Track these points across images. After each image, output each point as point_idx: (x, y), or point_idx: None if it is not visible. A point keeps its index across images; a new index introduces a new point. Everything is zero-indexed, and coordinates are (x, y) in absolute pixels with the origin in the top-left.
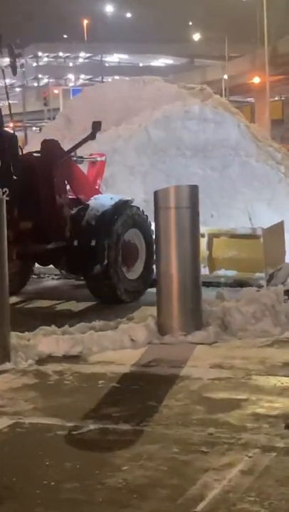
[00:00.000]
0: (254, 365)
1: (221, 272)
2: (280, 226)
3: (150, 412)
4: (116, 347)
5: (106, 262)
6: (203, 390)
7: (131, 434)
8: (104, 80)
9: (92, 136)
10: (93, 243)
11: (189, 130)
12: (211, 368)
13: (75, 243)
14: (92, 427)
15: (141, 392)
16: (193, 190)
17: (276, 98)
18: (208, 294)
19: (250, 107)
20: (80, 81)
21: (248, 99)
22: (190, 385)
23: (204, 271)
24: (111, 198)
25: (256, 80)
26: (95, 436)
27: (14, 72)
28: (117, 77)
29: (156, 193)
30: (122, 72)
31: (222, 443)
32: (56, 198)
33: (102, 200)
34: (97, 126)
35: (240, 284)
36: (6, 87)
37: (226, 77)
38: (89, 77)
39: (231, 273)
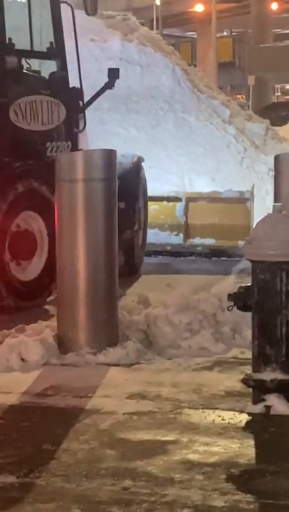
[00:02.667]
0: (187, 394)
1: (197, 241)
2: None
3: (44, 459)
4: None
5: (136, 226)
6: (117, 429)
7: (16, 488)
8: None
9: (109, 85)
10: (122, 206)
11: (106, 75)
12: (128, 399)
13: None
14: None
15: (32, 431)
16: (110, 156)
17: (225, 33)
18: (182, 267)
19: (190, 45)
20: None
21: (188, 34)
22: (99, 422)
23: (178, 239)
24: (122, 156)
25: (199, 7)
26: None
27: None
28: None
29: (57, 160)
30: None
31: (140, 501)
32: None
33: None
34: (114, 73)
35: (218, 253)
36: (74, 26)
37: (158, 2)
38: None
39: (209, 241)
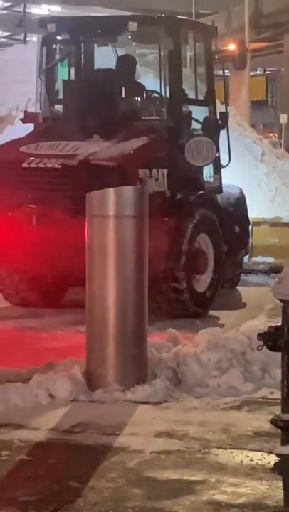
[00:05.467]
0: (215, 434)
1: (259, 259)
2: None
3: (70, 497)
4: (28, 405)
5: (248, 247)
6: (145, 468)
7: None
8: (27, 39)
9: (222, 127)
10: (237, 229)
11: None
12: (156, 437)
13: None
14: None
15: (59, 468)
16: (141, 193)
17: (258, 72)
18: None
19: (223, 83)
20: None
21: (221, 72)
22: (127, 460)
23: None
24: (228, 186)
25: (232, 46)
26: None
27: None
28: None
29: (88, 197)
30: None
31: None
32: None
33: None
34: (225, 116)
35: (276, 270)
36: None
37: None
38: (7, 33)
39: (269, 260)
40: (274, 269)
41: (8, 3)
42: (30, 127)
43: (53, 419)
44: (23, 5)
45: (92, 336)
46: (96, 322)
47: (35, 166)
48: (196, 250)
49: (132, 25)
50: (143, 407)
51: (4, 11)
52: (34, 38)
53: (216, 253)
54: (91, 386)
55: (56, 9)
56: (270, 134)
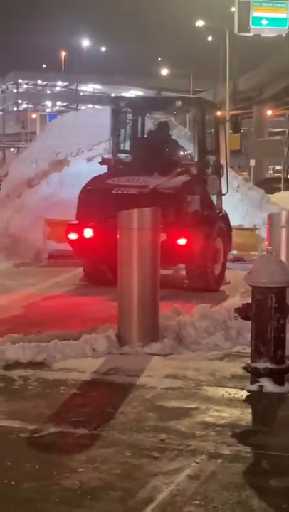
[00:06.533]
0: (205, 376)
1: None
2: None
3: (106, 418)
4: (78, 355)
5: (232, 246)
6: (157, 399)
7: (88, 438)
8: (78, 108)
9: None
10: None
11: None
12: (164, 378)
13: None
14: (52, 430)
15: (99, 398)
16: (155, 213)
17: None
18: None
19: (225, 140)
20: (57, 107)
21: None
22: (145, 394)
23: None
24: None
25: (217, 113)
26: (54, 439)
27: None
28: (90, 106)
29: (120, 214)
30: (96, 100)
31: (172, 449)
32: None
33: None
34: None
35: (238, 259)
36: (226, 140)
37: None
38: (65, 104)
39: (234, 252)
40: (237, 259)
41: (66, 83)
42: (80, 167)
43: (95, 365)
44: (75, 84)
45: (122, 309)
46: (124, 299)
47: (120, 192)
48: (215, 248)
49: (178, 103)
50: (156, 357)
51: (63, 89)
52: (83, 107)
53: (224, 249)
54: (121, 343)
55: (98, 87)
56: (243, 173)
